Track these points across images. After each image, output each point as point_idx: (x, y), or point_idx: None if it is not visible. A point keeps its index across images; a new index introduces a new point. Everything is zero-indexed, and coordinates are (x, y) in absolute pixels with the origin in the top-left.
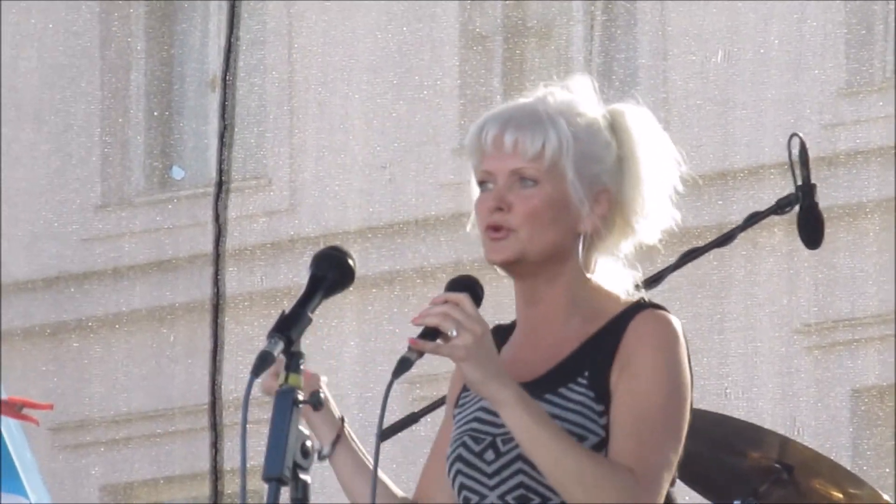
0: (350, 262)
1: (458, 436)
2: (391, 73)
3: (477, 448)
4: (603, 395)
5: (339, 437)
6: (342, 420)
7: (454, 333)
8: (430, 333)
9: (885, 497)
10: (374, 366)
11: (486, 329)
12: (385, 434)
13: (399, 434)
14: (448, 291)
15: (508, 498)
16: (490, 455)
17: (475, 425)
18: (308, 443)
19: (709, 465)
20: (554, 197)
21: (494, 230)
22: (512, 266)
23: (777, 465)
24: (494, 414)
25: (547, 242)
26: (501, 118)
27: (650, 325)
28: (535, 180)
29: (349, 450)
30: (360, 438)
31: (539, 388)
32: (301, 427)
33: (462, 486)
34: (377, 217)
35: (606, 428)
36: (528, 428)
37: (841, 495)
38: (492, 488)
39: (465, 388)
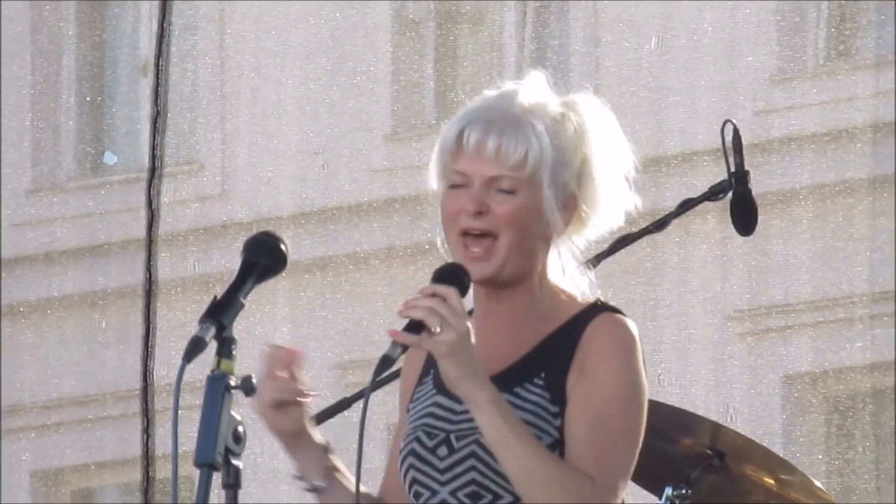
0: (282, 247)
1: (411, 430)
2: (324, 58)
3: (430, 443)
4: (559, 396)
5: (332, 469)
6: (328, 446)
7: (438, 329)
8: (415, 326)
9: (817, 483)
10: (306, 352)
11: (468, 327)
12: (318, 419)
13: (331, 420)
14: (435, 282)
15: (460, 494)
16: (443, 451)
17: (429, 420)
18: (240, 428)
19: (642, 451)
20: (530, 206)
21: (472, 237)
22: (489, 280)
23: (709, 452)
24: (449, 410)
25: (524, 250)
26: (485, 121)
27: (607, 330)
28: (514, 190)
29: (341, 482)
30: None
31: (495, 385)
32: (233, 413)
33: (414, 481)
34: (310, 203)
35: (560, 430)
36: (499, 430)
37: (772, 481)
38: (443, 484)
39: (419, 383)
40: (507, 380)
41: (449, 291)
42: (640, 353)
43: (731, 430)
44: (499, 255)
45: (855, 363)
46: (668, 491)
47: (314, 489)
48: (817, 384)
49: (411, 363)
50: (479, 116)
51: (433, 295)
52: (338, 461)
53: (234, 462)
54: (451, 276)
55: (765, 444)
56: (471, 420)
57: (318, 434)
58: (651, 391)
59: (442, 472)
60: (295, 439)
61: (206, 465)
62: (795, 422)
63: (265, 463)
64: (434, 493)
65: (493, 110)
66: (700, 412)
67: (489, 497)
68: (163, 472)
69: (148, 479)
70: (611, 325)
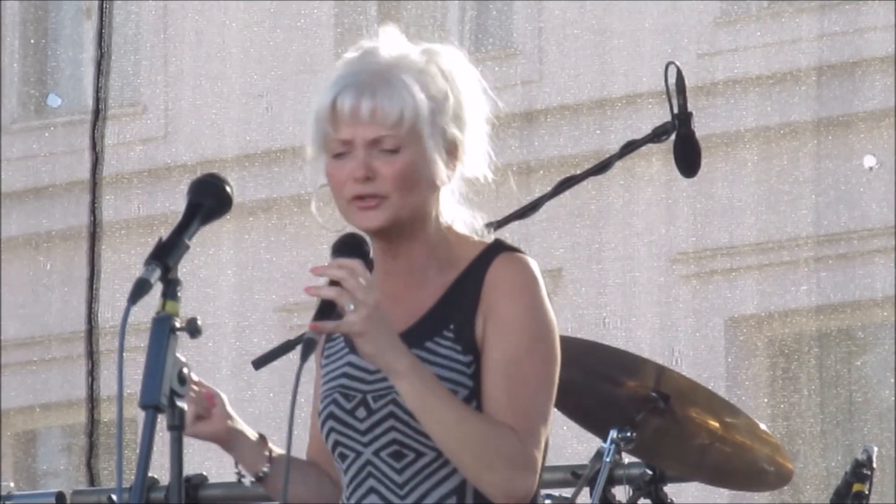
0: (227, 189)
1: (328, 392)
2: (267, 1)
3: (348, 405)
4: (469, 346)
5: (272, 456)
6: (263, 437)
7: (350, 307)
8: (326, 306)
9: (761, 426)
10: (251, 294)
11: (378, 297)
12: (261, 362)
13: (275, 363)
14: (336, 255)
15: (383, 454)
16: (362, 412)
17: (345, 381)
18: (185, 370)
19: (586, 394)
20: (416, 159)
21: (361, 199)
22: (383, 231)
23: (654, 395)
24: (363, 370)
25: (415, 204)
26: (355, 85)
27: (509, 271)
28: (397, 148)
29: (280, 464)
30: (237, 366)
31: (405, 342)
32: (178, 354)
33: (337, 443)
34: (254, 145)
35: (474, 377)
36: (422, 397)
37: (717, 424)
38: (366, 445)
39: (329, 339)
40: (416, 335)
41: (353, 263)
42: (543, 289)
43: (675, 373)
44: (392, 204)
45: (800, 306)
46: (613, 433)
47: (258, 478)
48: (762, 327)
49: None
50: (348, 82)
51: (339, 268)
52: (276, 448)
53: (179, 404)
54: (352, 247)
55: (710, 387)
56: (385, 379)
57: (249, 430)
58: (596, 334)
59: (363, 433)
60: (228, 439)
61: (151, 406)
62: (740, 365)
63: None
64: (358, 454)
65: (360, 73)
66: (645, 355)
67: (412, 455)
68: (107, 414)
69: (93, 422)
70: (511, 266)
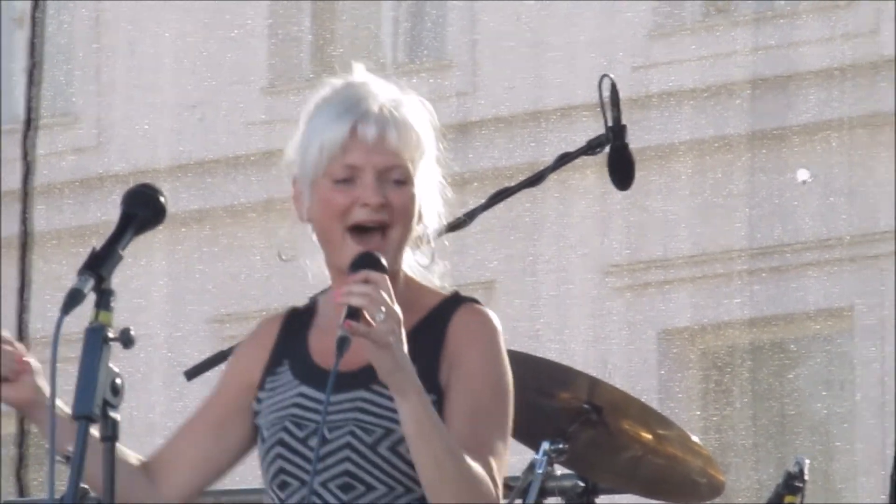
0: (161, 199)
1: (276, 420)
2: (201, 12)
3: (301, 434)
4: (433, 387)
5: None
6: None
7: (381, 317)
8: (353, 313)
9: (694, 438)
10: (183, 305)
11: (401, 316)
12: (194, 372)
13: (207, 374)
14: (360, 268)
15: (331, 485)
16: (314, 442)
17: (296, 411)
18: (118, 381)
19: (518, 406)
20: (415, 197)
21: (360, 233)
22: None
23: (586, 407)
24: (316, 401)
25: (406, 241)
26: (374, 114)
27: (474, 323)
28: (405, 180)
29: (94, 447)
30: (169, 376)
31: (365, 377)
32: (111, 365)
33: (281, 471)
34: (187, 155)
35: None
36: (421, 423)
37: (649, 436)
38: (314, 474)
39: (270, 372)
40: (374, 373)
41: (381, 278)
42: (503, 342)
43: (608, 385)
44: (391, 248)
45: (733, 318)
46: (546, 445)
47: (66, 458)
48: (695, 339)
49: (254, 347)
50: (365, 109)
51: (366, 281)
52: (94, 432)
53: (112, 414)
54: (373, 262)
55: (643, 400)
56: (343, 412)
57: (65, 407)
58: (529, 346)
59: (312, 462)
60: (34, 409)
61: (84, 417)
62: (673, 377)
63: (141, 417)
64: (303, 483)
65: (371, 103)
66: (578, 367)
67: (362, 488)
68: None
69: (23, 432)
70: (476, 317)
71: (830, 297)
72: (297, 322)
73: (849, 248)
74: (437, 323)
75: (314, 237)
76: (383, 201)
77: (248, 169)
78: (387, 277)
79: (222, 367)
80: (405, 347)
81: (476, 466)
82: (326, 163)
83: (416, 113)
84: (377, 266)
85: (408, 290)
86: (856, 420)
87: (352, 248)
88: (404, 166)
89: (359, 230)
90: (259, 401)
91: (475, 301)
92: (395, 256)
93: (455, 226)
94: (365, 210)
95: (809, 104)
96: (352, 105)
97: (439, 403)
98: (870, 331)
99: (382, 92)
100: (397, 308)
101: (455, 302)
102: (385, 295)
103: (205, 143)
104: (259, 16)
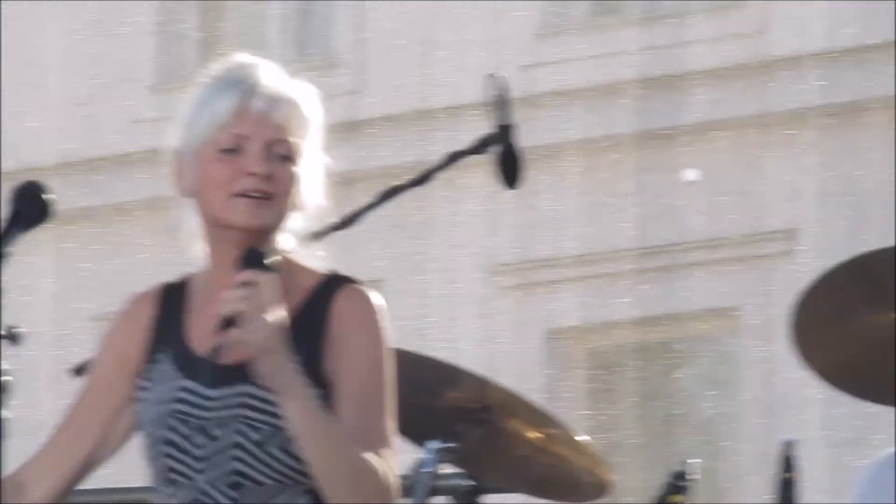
0: (48, 197)
1: (158, 415)
2: (89, 9)
3: (186, 431)
4: (318, 380)
5: None
6: None
7: (258, 323)
8: (230, 321)
9: (580, 437)
10: (68, 302)
11: (281, 318)
12: (80, 370)
13: None
14: (246, 268)
15: (218, 483)
16: (200, 439)
17: (180, 406)
18: (5, 379)
19: (406, 405)
20: (297, 176)
21: (250, 196)
22: (257, 234)
23: (474, 406)
24: (201, 396)
25: (284, 216)
26: (265, 89)
27: (358, 306)
28: (291, 157)
29: None
30: (55, 374)
31: (249, 370)
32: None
33: (169, 469)
34: (74, 153)
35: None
36: (308, 423)
37: (537, 435)
38: (200, 472)
39: (150, 360)
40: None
41: (266, 279)
42: (387, 321)
43: (495, 384)
44: (277, 208)
45: (621, 318)
46: (433, 444)
47: None
48: (583, 339)
49: (127, 330)
50: (255, 84)
51: (246, 284)
52: None
53: (2, 413)
54: (260, 262)
55: (530, 399)
56: (229, 408)
57: None
58: (416, 345)
59: (199, 460)
60: None
61: None
62: (560, 376)
63: (29, 416)
64: (192, 480)
65: (262, 80)
66: (466, 366)
67: (252, 486)
68: None
69: None
70: (359, 300)
71: (718, 296)
72: (170, 302)
73: (737, 247)
74: (318, 306)
75: (195, 214)
76: (270, 172)
77: (135, 167)
78: (275, 277)
79: None
80: (282, 350)
81: (369, 458)
82: (215, 131)
83: (305, 97)
84: (263, 265)
85: (286, 270)
86: (742, 420)
87: (241, 214)
88: (291, 142)
89: (247, 198)
90: (141, 388)
91: (354, 281)
92: (273, 232)
93: (342, 224)
94: (251, 179)
95: (699, 104)
96: (243, 78)
97: (326, 396)
98: (756, 331)
99: (274, 72)
100: (273, 311)
101: (335, 282)
102: (266, 298)
103: (92, 140)
104: (146, 14)
